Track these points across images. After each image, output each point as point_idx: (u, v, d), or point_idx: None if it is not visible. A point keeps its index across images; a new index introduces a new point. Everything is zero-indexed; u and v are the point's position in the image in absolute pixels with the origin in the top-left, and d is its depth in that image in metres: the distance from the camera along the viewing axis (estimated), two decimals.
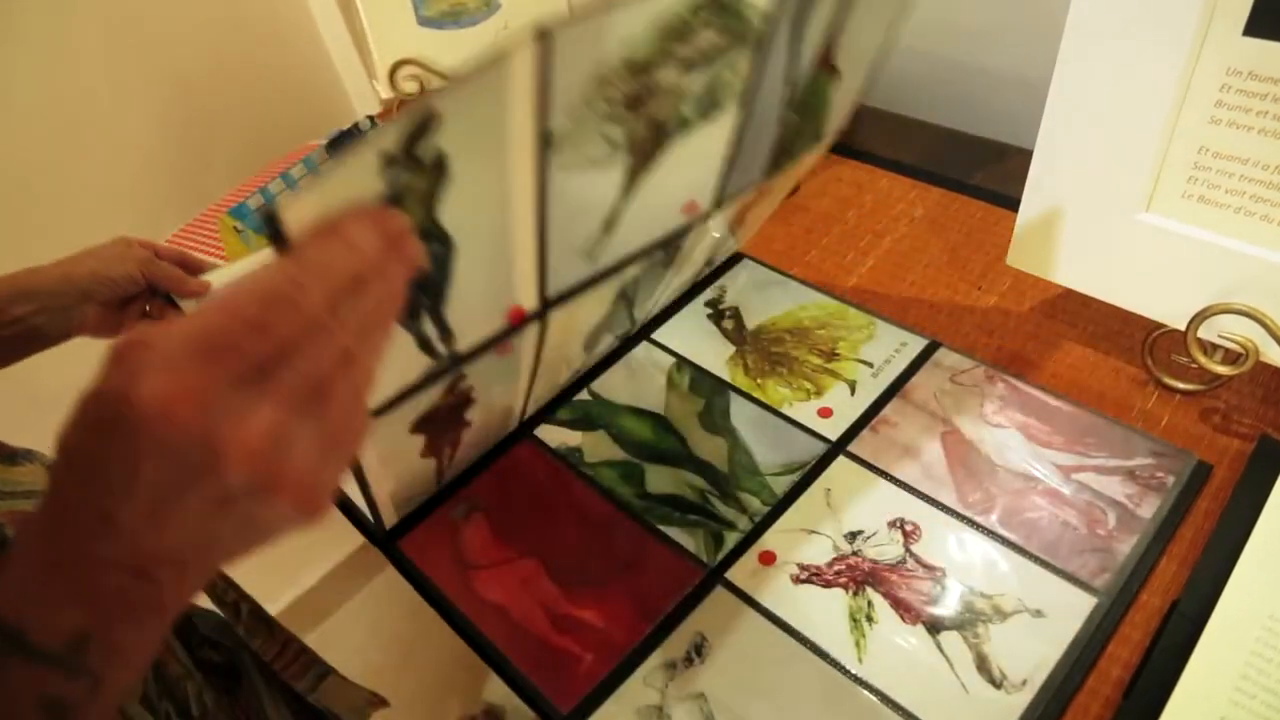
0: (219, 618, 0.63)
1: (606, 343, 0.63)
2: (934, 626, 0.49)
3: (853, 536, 0.53)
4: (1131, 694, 0.45)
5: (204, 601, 0.63)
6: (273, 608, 1.35)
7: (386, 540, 0.58)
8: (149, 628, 0.27)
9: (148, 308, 0.68)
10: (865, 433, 0.59)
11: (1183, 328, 0.55)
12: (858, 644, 0.49)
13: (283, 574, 1.43)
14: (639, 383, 0.65)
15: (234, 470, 0.24)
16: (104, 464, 0.24)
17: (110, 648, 0.26)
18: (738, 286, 0.71)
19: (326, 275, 0.25)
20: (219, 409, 0.24)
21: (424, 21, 0.97)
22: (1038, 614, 0.48)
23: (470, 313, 0.44)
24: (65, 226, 0.67)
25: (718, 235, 0.62)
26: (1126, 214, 0.56)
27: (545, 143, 0.39)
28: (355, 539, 0.61)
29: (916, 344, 0.64)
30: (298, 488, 0.25)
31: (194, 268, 0.67)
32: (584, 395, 0.65)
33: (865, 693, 0.46)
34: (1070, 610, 0.48)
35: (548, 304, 0.48)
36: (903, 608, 0.50)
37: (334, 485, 0.28)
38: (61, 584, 0.25)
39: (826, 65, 0.52)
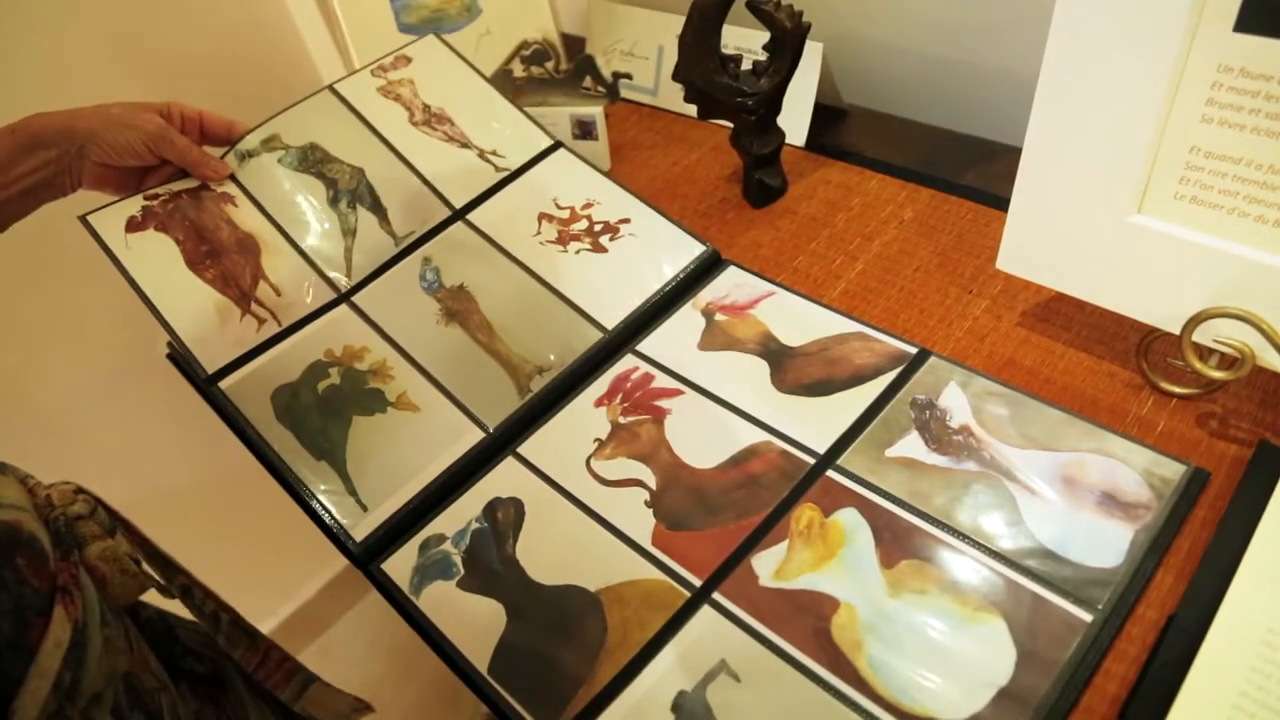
0: (202, 628, 0.62)
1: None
2: None
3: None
4: (1128, 711, 0.44)
5: (186, 612, 0.62)
6: (271, 621, 1.34)
7: (368, 561, 0.57)
8: None
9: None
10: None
11: (1177, 332, 0.54)
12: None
13: (280, 588, 1.42)
14: None
15: None
16: None
17: None
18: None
19: None
20: None
21: (405, 28, 0.97)
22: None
23: None
24: (65, 220, 0.68)
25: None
26: (1117, 216, 0.54)
27: None
28: None
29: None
30: None
31: (215, 134, 0.72)
32: None
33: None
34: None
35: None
36: None
37: None
38: None
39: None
